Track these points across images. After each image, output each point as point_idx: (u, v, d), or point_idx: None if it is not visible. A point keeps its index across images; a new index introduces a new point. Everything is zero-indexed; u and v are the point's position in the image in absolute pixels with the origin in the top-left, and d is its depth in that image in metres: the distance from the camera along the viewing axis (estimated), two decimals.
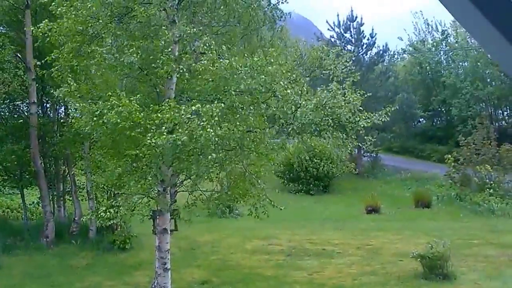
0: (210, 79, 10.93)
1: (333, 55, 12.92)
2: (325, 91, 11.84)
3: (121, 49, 11.65)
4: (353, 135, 12.42)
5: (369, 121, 12.04)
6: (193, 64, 11.29)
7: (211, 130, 10.07)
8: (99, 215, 12.40)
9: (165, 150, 10.63)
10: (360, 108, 12.03)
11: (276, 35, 13.42)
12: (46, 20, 11.97)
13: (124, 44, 11.73)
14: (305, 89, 11.88)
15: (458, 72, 43.44)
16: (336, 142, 12.31)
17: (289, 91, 11.26)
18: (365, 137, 13.26)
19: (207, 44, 11.03)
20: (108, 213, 12.09)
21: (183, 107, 10.53)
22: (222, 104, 10.55)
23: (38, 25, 12.16)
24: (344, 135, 12.39)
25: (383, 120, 12.32)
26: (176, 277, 14.20)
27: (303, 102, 11.57)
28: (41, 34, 12.11)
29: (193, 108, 10.40)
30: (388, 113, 12.46)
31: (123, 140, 11.77)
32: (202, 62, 10.97)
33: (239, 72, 10.69)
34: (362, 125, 12.02)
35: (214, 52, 10.86)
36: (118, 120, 10.40)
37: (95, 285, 15.20)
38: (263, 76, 10.83)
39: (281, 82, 11.17)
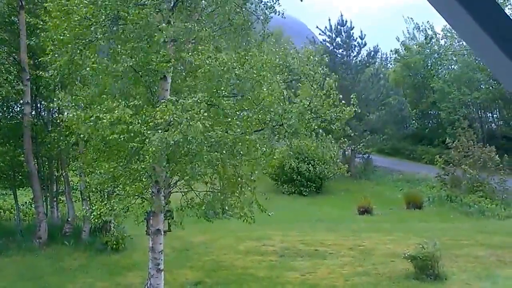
0: (204, 76, 10.97)
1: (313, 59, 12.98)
2: (306, 97, 11.97)
3: (115, 52, 11.73)
4: (340, 131, 12.55)
5: (351, 112, 12.12)
6: (188, 58, 11.37)
7: (199, 124, 10.16)
8: (93, 213, 12.48)
9: (159, 152, 10.69)
10: (343, 101, 12.13)
11: (266, 36, 13.51)
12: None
13: (118, 48, 11.81)
14: (285, 93, 12.00)
15: (445, 76, 43.74)
16: (326, 145, 12.45)
17: (276, 80, 11.35)
18: (352, 133, 13.40)
19: (203, 37, 11.16)
20: (102, 209, 12.16)
21: (175, 106, 10.64)
22: (205, 95, 10.66)
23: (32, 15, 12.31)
24: (331, 136, 12.52)
25: (357, 110, 12.46)
26: (170, 278, 14.26)
27: (287, 106, 11.69)
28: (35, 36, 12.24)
29: (183, 104, 10.52)
30: (357, 105, 12.67)
31: (117, 143, 11.84)
32: (198, 56, 11.07)
33: (229, 64, 10.79)
34: (345, 118, 12.10)
35: (210, 45, 10.97)
36: (114, 131, 10.50)
37: (87, 286, 15.20)
38: (251, 68, 10.93)
39: (268, 74, 11.27)
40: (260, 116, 11.65)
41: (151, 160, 10.63)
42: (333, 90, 12.04)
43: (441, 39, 46.18)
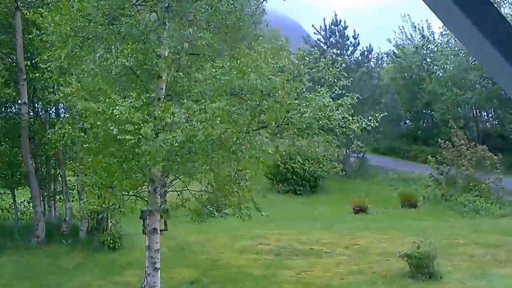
0: (206, 80, 11.03)
1: (326, 61, 13.16)
2: (321, 97, 12.04)
3: (110, 52, 11.79)
4: (343, 138, 12.71)
5: (359, 125, 12.29)
6: (189, 67, 11.45)
7: (213, 129, 10.25)
8: (86, 205, 12.57)
9: (156, 153, 10.74)
10: (352, 112, 12.29)
11: (258, 37, 13.63)
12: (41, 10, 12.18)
13: (115, 47, 11.87)
14: (303, 90, 12.07)
15: (439, 77, 43.91)
16: (327, 146, 12.52)
17: (279, 92, 11.41)
18: (350, 135, 13.55)
19: (204, 43, 11.24)
20: (94, 202, 12.25)
21: (178, 109, 10.69)
22: (225, 102, 10.68)
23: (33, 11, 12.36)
24: (334, 136, 12.63)
25: (373, 125, 12.63)
26: (166, 277, 14.31)
27: (298, 105, 11.76)
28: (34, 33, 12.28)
29: (194, 107, 10.56)
30: (378, 119, 12.82)
31: (112, 143, 11.89)
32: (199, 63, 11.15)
33: (231, 73, 10.86)
34: (353, 130, 12.26)
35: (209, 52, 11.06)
36: (117, 130, 10.49)
37: (85, 285, 15.28)
38: (251, 76, 10.98)
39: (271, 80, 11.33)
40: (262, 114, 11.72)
41: (150, 162, 10.67)
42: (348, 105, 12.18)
43: (438, 39, 46.26)
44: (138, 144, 10.56)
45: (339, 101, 12.08)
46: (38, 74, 15.57)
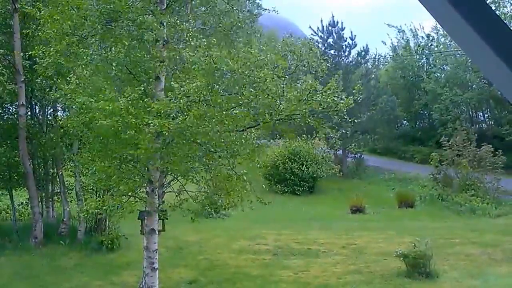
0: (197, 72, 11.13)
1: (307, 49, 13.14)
2: (304, 84, 12.06)
3: (108, 50, 11.87)
4: (337, 121, 12.76)
5: (346, 102, 12.23)
6: (184, 54, 11.49)
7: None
8: (85, 208, 12.65)
9: (152, 148, 10.82)
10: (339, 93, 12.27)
11: (253, 31, 13.74)
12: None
13: (111, 45, 11.95)
14: (285, 82, 12.14)
15: (438, 77, 44.01)
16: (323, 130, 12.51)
17: (269, 79, 11.47)
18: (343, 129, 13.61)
19: (190, 33, 11.33)
20: (92, 204, 12.32)
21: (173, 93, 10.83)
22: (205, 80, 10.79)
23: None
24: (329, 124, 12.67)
25: (358, 99, 12.64)
26: (164, 277, 14.36)
27: (285, 94, 11.82)
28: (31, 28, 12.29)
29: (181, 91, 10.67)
30: (361, 92, 12.86)
31: (111, 141, 11.96)
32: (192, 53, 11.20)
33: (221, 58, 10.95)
34: (341, 108, 12.14)
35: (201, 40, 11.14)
36: (108, 121, 10.58)
37: (83, 285, 15.31)
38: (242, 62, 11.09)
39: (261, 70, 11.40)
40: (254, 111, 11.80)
41: (144, 151, 10.75)
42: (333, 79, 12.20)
43: (440, 39, 46.23)
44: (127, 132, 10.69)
45: (328, 85, 12.04)
46: (35, 76, 15.59)
